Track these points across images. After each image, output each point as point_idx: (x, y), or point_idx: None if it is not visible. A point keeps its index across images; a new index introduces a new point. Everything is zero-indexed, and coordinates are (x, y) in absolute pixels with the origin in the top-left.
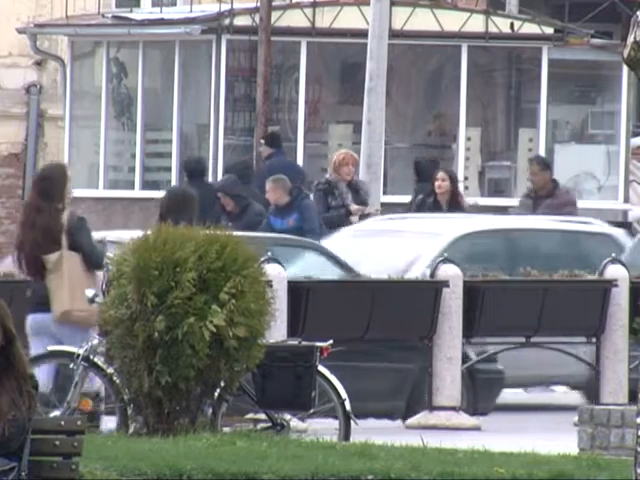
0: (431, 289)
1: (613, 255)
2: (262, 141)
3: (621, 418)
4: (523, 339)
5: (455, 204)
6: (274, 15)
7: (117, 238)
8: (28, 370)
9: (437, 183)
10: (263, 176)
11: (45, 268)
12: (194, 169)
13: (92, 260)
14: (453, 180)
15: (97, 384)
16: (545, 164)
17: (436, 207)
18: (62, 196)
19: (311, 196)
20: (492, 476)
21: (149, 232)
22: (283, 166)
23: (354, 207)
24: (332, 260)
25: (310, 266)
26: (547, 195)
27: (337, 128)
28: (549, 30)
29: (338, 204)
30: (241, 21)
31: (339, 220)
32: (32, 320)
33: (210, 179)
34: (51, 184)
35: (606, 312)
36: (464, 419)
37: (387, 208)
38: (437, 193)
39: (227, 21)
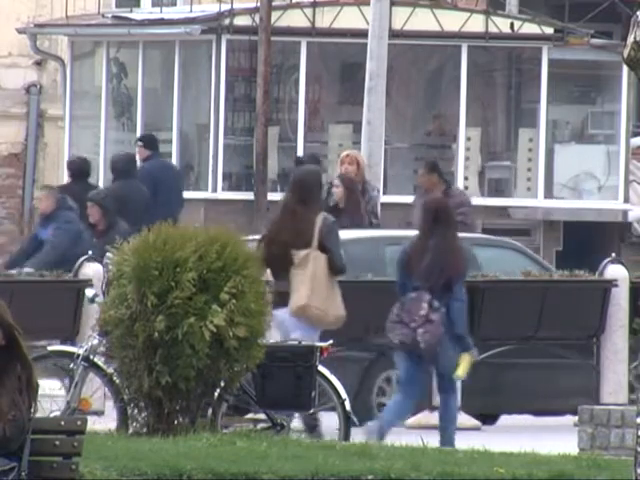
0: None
1: (613, 255)
2: (140, 143)
3: (621, 418)
4: (522, 339)
5: (352, 210)
6: (274, 15)
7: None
8: (32, 370)
9: (333, 188)
10: (141, 178)
11: (291, 264)
12: (77, 169)
13: (336, 264)
14: (348, 186)
15: None
16: (431, 167)
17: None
18: (318, 200)
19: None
20: (492, 476)
21: (149, 232)
22: (160, 168)
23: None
24: (531, 259)
25: (510, 265)
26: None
27: (337, 128)
28: (549, 30)
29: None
30: (241, 21)
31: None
32: (275, 314)
33: (210, 180)
34: (310, 191)
35: (606, 312)
36: (464, 419)
37: (387, 208)
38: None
39: (227, 21)
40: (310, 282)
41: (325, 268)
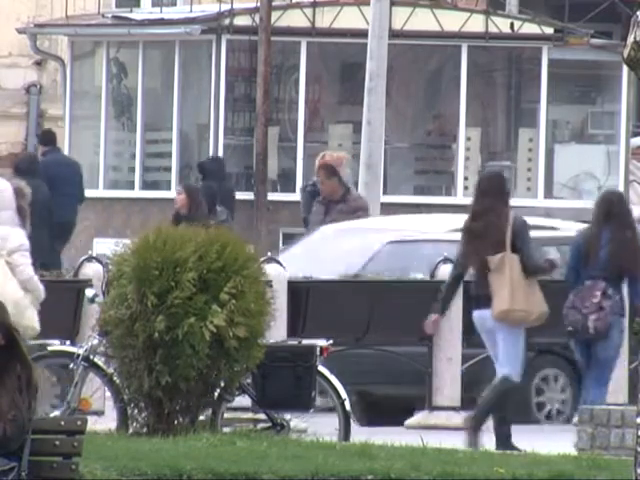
0: (430, 289)
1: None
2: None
3: (621, 418)
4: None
5: (197, 217)
6: (274, 15)
7: None
8: (32, 370)
9: (176, 195)
10: (39, 174)
11: (488, 268)
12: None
13: (528, 264)
14: (190, 194)
15: None
16: (331, 171)
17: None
18: (509, 199)
19: None
20: (492, 476)
21: (149, 232)
22: (58, 163)
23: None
24: None
25: None
26: (339, 201)
27: (337, 128)
28: (549, 30)
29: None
30: (241, 21)
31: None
32: (476, 316)
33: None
34: (501, 192)
35: None
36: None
37: (387, 208)
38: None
39: (227, 21)
40: (509, 285)
41: (520, 269)
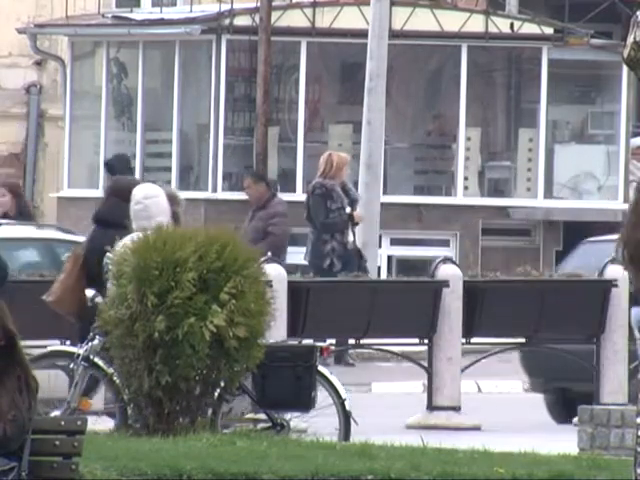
0: (431, 289)
1: (613, 255)
2: None
3: (621, 418)
4: (523, 339)
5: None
6: (274, 15)
7: None
8: (29, 370)
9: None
10: None
11: None
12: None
13: None
14: (15, 192)
15: None
16: (258, 177)
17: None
18: None
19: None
20: (492, 476)
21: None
22: None
23: (357, 214)
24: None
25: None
26: (263, 206)
27: (337, 128)
28: (549, 30)
29: (338, 207)
30: (241, 21)
31: (341, 224)
32: (634, 313)
33: (210, 180)
34: None
35: (606, 312)
36: (464, 419)
37: (387, 208)
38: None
39: (227, 21)
40: None
41: None
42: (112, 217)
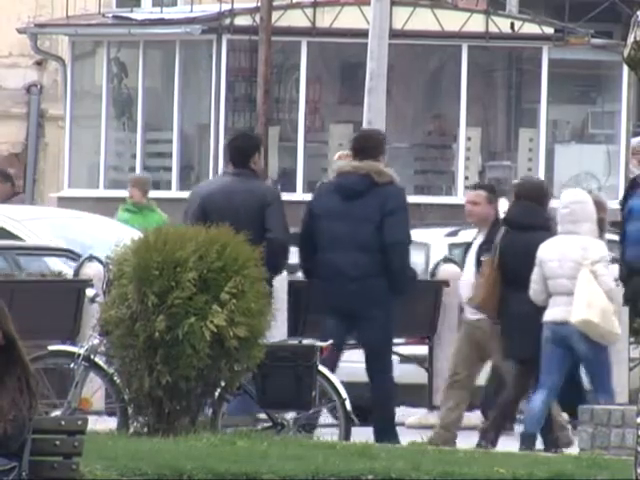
0: (431, 289)
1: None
2: None
3: (621, 418)
4: None
5: None
6: (274, 15)
7: None
8: (29, 370)
9: None
10: None
11: None
12: None
13: None
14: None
15: None
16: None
17: None
18: None
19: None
20: (492, 476)
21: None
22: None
23: None
24: None
25: None
26: None
27: (337, 128)
28: (549, 30)
29: None
30: (241, 21)
31: None
32: None
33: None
34: None
35: None
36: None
37: None
38: None
39: (227, 21)
40: None
41: None
42: (526, 220)
